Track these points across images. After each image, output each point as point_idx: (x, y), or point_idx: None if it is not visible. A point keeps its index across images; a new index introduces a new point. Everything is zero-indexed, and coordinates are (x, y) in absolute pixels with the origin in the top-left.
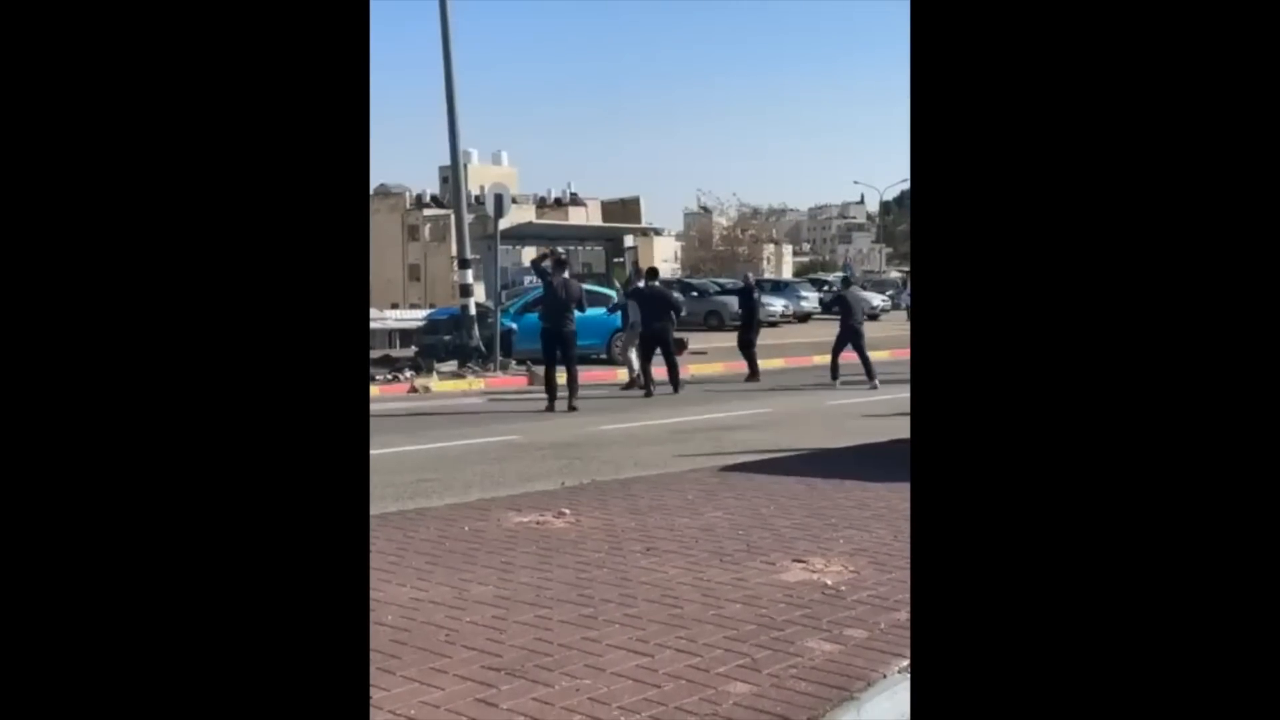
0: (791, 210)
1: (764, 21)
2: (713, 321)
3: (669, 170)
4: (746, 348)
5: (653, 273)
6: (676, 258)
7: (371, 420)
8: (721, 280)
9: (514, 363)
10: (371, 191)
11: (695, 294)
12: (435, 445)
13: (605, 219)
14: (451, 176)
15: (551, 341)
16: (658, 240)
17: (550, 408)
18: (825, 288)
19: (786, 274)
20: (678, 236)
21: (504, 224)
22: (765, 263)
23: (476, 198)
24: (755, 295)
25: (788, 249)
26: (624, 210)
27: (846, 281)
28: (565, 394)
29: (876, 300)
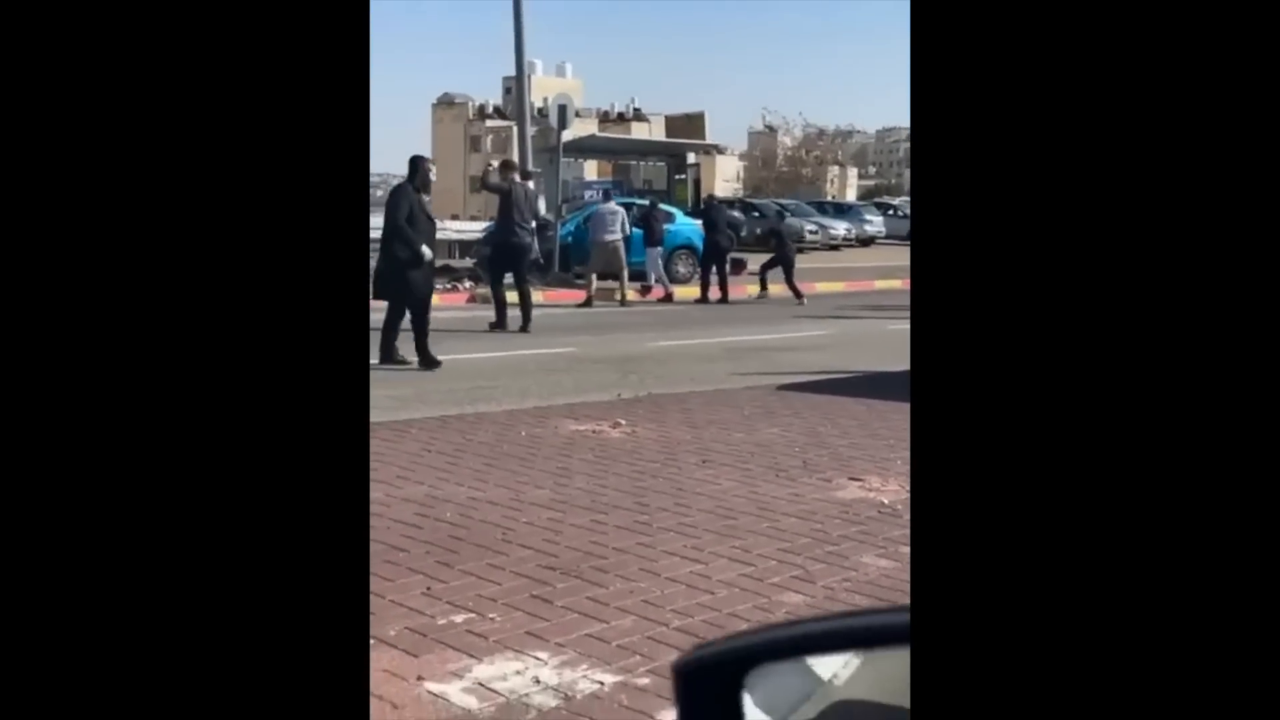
0: (859, 132)
1: None
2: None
3: (735, 87)
4: (707, 275)
5: None
6: (739, 177)
7: (430, 328)
8: (784, 201)
9: (573, 277)
10: (435, 100)
11: (757, 214)
12: (493, 354)
13: (669, 135)
14: (515, 87)
15: (500, 257)
16: (720, 159)
17: (499, 325)
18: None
19: (850, 196)
20: (741, 156)
21: (566, 137)
22: (829, 184)
23: (540, 110)
24: (715, 217)
25: (853, 171)
26: (688, 126)
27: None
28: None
29: None
